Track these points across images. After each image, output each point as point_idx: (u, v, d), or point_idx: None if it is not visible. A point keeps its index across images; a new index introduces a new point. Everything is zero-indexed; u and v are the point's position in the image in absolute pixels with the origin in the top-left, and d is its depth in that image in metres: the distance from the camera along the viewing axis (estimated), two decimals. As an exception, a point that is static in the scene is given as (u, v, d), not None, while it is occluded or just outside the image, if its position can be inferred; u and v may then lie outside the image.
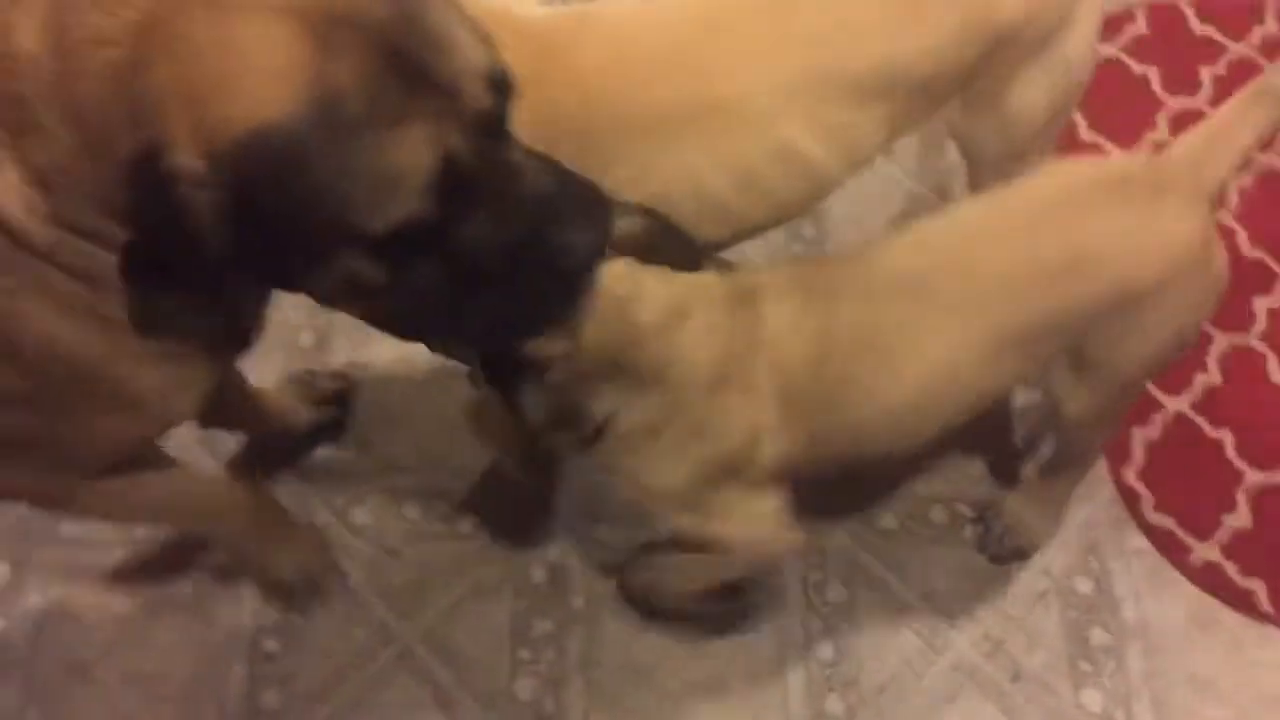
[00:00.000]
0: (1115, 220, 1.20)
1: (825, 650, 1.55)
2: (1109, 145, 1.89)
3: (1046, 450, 1.59)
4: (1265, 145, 1.28)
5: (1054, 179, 1.25)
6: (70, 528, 1.59)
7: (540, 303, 0.96)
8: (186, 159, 0.80)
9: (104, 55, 0.81)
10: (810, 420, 1.23)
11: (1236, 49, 1.97)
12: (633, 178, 1.19)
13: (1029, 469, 1.63)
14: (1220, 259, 1.25)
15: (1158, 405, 1.69)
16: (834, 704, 1.51)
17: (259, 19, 0.79)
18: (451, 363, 1.30)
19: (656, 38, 1.22)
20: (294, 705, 1.51)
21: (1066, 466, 1.52)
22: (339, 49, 0.80)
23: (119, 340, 0.97)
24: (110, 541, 1.59)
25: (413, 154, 0.83)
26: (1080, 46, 1.34)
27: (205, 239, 0.82)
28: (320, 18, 0.80)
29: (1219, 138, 1.24)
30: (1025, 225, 1.22)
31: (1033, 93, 1.34)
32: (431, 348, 1.09)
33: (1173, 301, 1.22)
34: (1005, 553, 1.58)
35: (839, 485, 1.51)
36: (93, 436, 1.13)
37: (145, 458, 1.24)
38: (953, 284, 1.21)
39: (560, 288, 0.96)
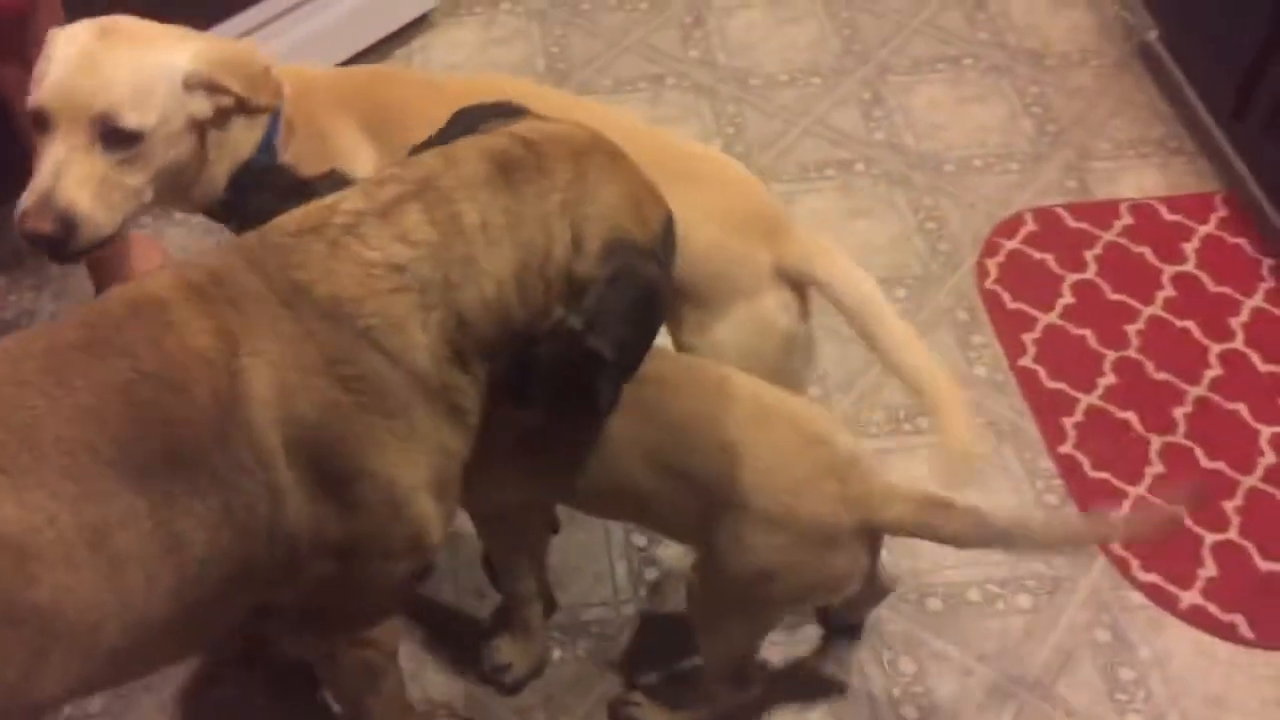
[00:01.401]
0: (790, 450, 1.43)
1: (910, 712, 1.80)
2: (1031, 311, 2.37)
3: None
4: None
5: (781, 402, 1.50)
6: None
7: None
8: (643, 242, 1.27)
9: (549, 201, 1.26)
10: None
11: (1106, 236, 2.52)
12: None
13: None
14: (844, 569, 1.45)
15: (1123, 493, 2.07)
16: (928, 754, 1.76)
17: (632, 163, 1.33)
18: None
19: None
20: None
21: (697, 692, 1.69)
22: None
23: (448, 471, 1.31)
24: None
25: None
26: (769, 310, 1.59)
27: (663, 293, 1.30)
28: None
29: (915, 510, 1.45)
30: (732, 404, 1.45)
31: (722, 341, 1.59)
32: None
33: (772, 550, 1.42)
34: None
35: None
36: (382, 582, 1.36)
37: (399, 605, 1.47)
38: (656, 394, 1.44)
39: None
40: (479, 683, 1.80)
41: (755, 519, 1.42)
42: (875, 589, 1.78)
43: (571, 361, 1.30)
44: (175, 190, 1.54)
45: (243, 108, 1.49)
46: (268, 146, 1.58)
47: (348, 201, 1.25)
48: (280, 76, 1.56)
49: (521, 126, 1.33)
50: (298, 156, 1.57)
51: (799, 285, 1.62)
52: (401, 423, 1.24)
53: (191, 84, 1.47)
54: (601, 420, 1.44)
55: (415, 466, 1.27)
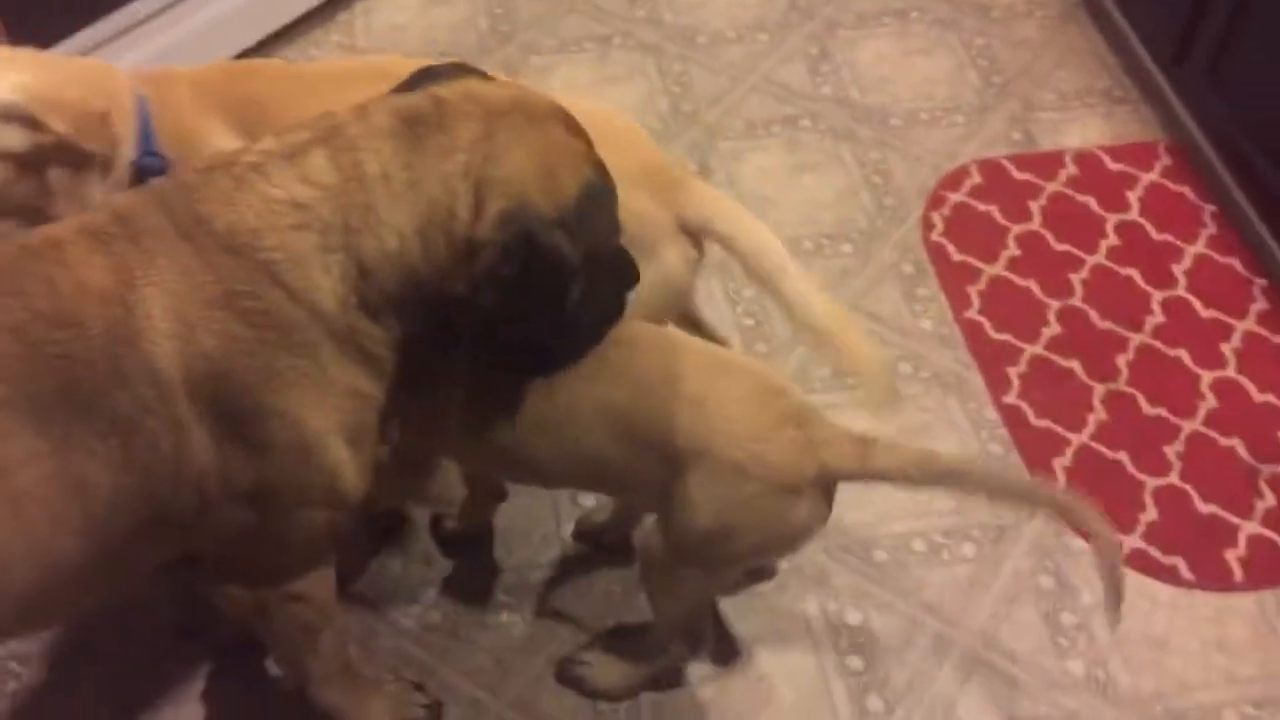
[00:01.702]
0: (749, 399, 1.44)
1: (855, 663, 1.82)
2: (976, 262, 2.38)
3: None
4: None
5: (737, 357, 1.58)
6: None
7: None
8: (547, 211, 1.25)
9: (452, 160, 1.24)
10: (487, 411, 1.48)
11: (1051, 187, 2.53)
12: None
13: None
14: (798, 513, 1.45)
15: (1066, 440, 2.09)
16: (874, 703, 1.78)
17: (559, 127, 1.29)
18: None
19: None
20: (409, 779, 1.67)
21: (643, 644, 1.72)
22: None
23: (360, 418, 1.31)
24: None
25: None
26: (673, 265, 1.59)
27: (566, 263, 1.26)
28: (575, 124, 1.31)
29: (871, 455, 1.47)
30: (691, 359, 1.47)
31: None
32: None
33: (739, 498, 1.42)
34: (567, 678, 1.76)
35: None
36: (301, 532, 1.36)
37: (325, 556, 1.45)
38: (617, 356, 1.44)
39: None
40: (427, 650, 1.81)
41: (723, 469, 1.42)
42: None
43: (492, 337, 1.31)
44: (37, 211, 1.53)
45: (67, 149, 1.48)
46: (150, 151, 1.58)
47: (260, 144, 1.27)
48: (142, 80, 1.57)
49: (450, 86, 1.32)
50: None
51: (697, 238, 1.62)
52: (307, 362, 1.25)
53: (8, 115, 1.46)
54: (524, 382, 1.45)
55: (324, 409, 1.28)
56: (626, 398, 1.45)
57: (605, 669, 1.76)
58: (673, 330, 1.53)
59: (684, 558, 1.50)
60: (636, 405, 1.45)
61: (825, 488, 1.48)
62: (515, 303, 1.27)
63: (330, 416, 1.28)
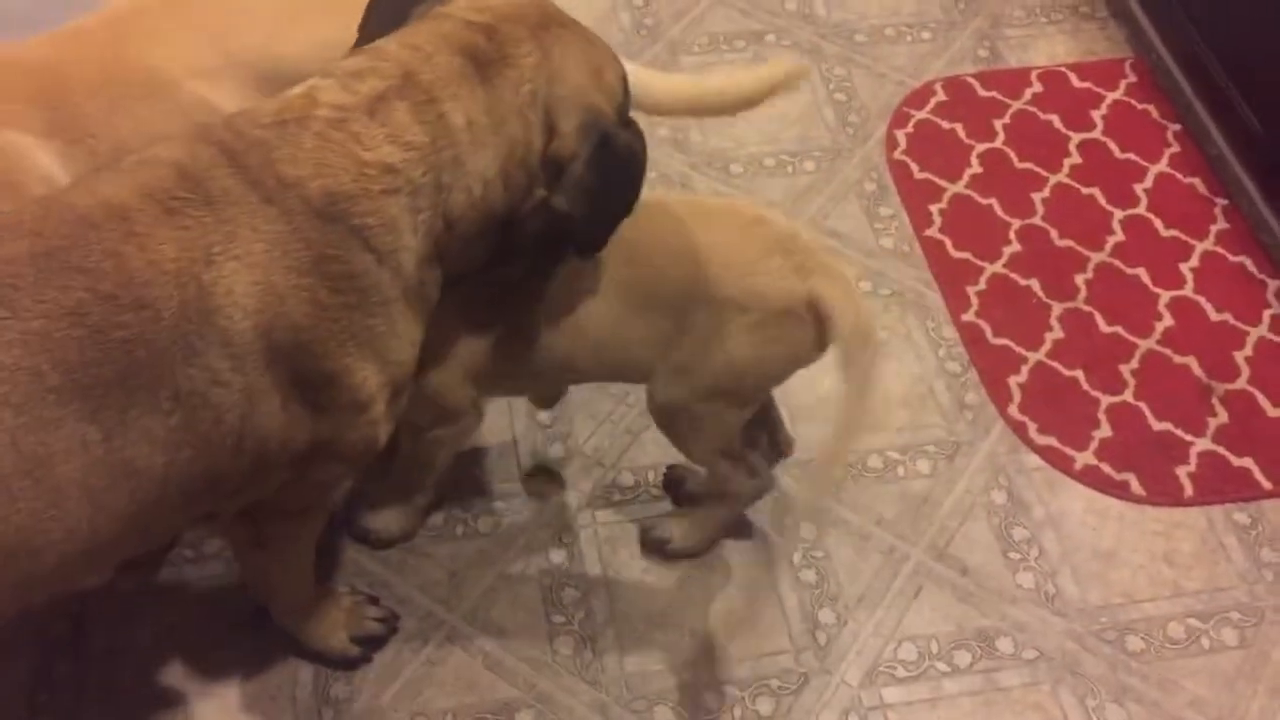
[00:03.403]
0: (736, 244, 1.50)
1: (809, 576, 1.83)
2: (938, 180, 2.36)
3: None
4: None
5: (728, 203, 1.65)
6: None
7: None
8: (609, 111, 1.29)
9: (523, 92, 1.25)
10: (492, 332, 1.52)
11: (1016, 105, 2.50)
12: (93, 134, 1.42)
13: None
14: (798, 336, 1.50)
15: (1023, 358, 2.10)
16: (826, 615, 1.79)
17: (573, 23, 1.34)
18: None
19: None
20: (362, 690, 1.68)
21: (709, 497, 1.78)
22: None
23: (409, 370, 1.32)
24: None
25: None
26: None
27: (638, 157, 1.33)
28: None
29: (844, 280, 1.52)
30: (675, 215, 1.53)
31: None
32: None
33: (744, 332, 1.49)
34: (650, 543, 1.82)
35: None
36: (326, 480, 1.37)
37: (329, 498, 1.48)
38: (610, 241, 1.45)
39: None
40: (383, 564, 1.81)
41: (724, 307, 1.49)
42: (775, 447, 1.81)
43: (555, 236, 1.36)
44: None
45: None
46: None
47: (325, 93, 1.22)
48: None
49: (467, 9, 1.30)
50: None
51: None
52: (380, 321, 1.24)
53: None
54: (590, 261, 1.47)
55: (385, 366, 1.27)
56: (632, 271, 1.51)
57: (680, 527, 1.80)
58: (648, 200, 1.54)
59: (703, 395, 1.56)
60: (642, 274, 1.51)
61: (818, 311, 1.50)
62: (598, 204, 1.31)
63: (386, 372, 1.28)
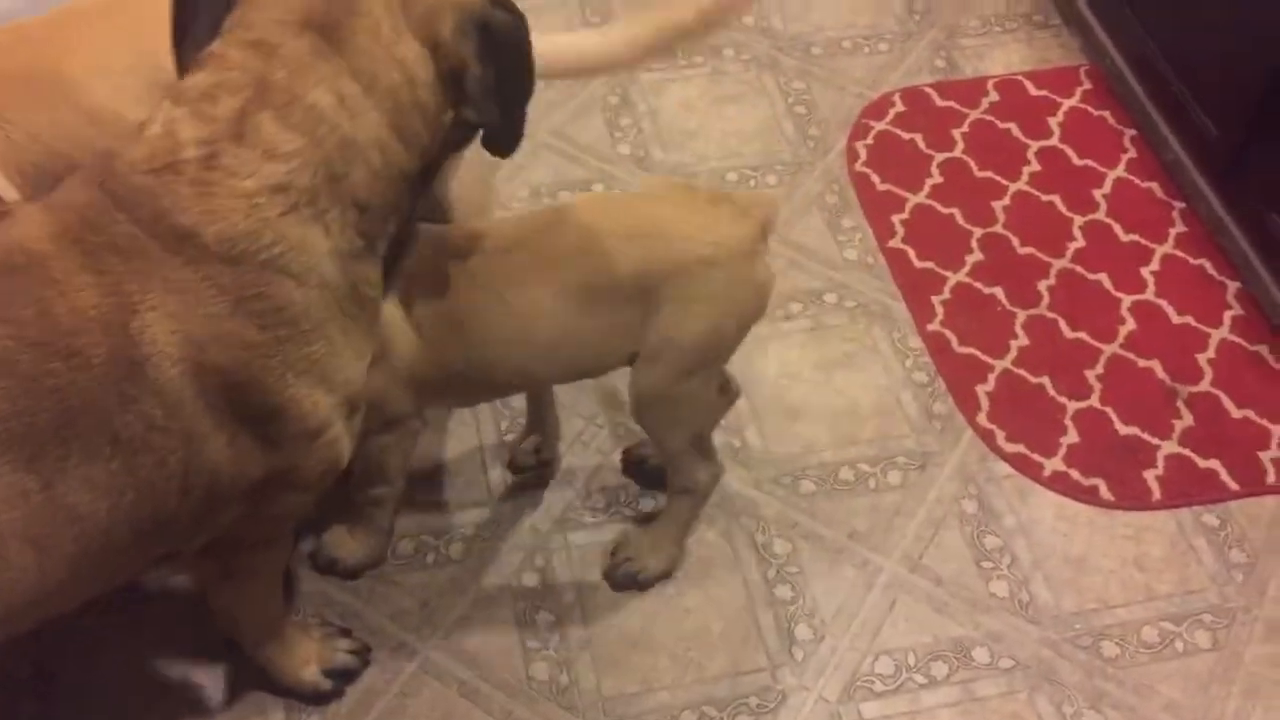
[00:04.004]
0: (680, 209, 1.55)
1: (784, 592, 1.83)
2: (900, 191, 2.37)
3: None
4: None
5: (644, 184, 1.66)
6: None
7: None
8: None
9: (383, 33, 1.16)
10: (438, 343, 1.51)
11: (973, 114, 2.52)
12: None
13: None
14: (760, 272, 1.55)
15: (989, 366, 2.10)
16: (803, 631, 1.79)
17: None
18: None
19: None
20: (336, 724, 1.66)
21: (672, 497, 1.76)
22: None
23: (360, 385, 1.28)
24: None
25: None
26: None
27: (520, 28, 1.24)
28: None
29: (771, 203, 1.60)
30: (614, 203, 1.61)
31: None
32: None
33: (718, 286, 1.51)
34: (621, 580, 1.80)
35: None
36: (289, 510, 1.34)
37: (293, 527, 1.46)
38: (553, 241, 1.52)
39: None
40: (354, 595, 1.79)
41: (697, 269, 1.51)
42: (725, 395, 1.81)
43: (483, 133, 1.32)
44: None
45: None
46: None
47: (183, 127, 1.14)
48: None
49: None
50: None
51: None
52: (321, 345, 1.20)
53: None
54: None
55: (333, 387, 1.24)
56: (576, 271, 1.51)
57: (649, 551, 1.79)
58: (579, 199, 1.60)
59: (689, 367, 1.57)
60: (590, 270, 1.51)
61: (764, 243, 1.58)
62: (506, 95, 1.25)
63: (336, 393, 1.24)
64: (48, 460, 1.08)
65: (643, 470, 1.91)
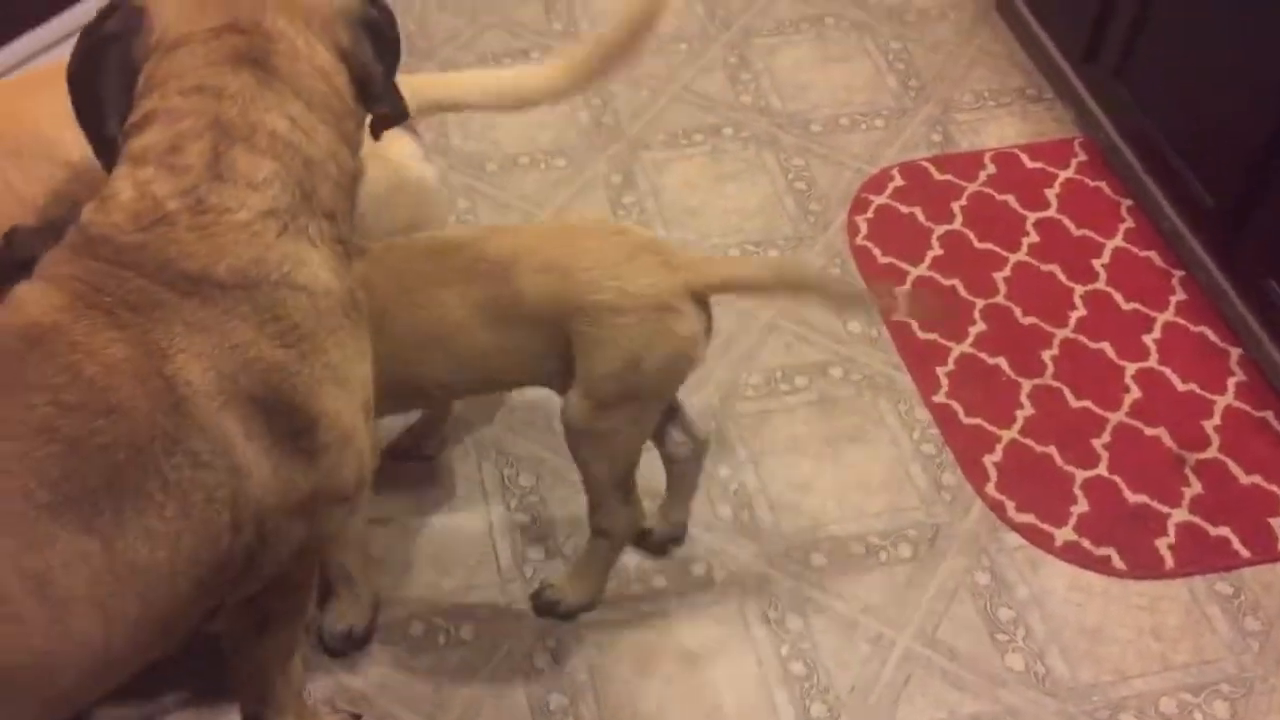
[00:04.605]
0: (598, 253, 1.57)
1: (798, 668, 1.81)
2: (901, 264, 2.39)
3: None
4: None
5: (572, 217, 1.74)
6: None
7: None
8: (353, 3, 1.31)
9: (302, 54, 1.25)
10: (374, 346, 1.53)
11: (971, 187, 2.56)
12: None
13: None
14: (685, 326, 1.57)
15: (996, 437, 2.11)
16: (818, 709, 1.77)
17: None
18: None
19: None
20: (349, 813, 1.64)
21: (591, 537, 1.79)
22: None
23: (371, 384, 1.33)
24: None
25: None
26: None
27: (389, 12, 1.35)
28: None
29: (726, 266, 1.70)
30: (540, 234, 1.67)
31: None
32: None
33: (624, 333, 1.55)
34: (542, 607, 1.85)
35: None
36: (326, 532, 1.35)
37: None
38: (472, 257, 1.59)
39: None
40: (365, 680, 1.77)
41: (601, 313, 1.55)
42: (693, 447, 1.84)
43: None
44: None
45: None
46: None
47: (159, 185, 1.19)
48: None
49: (186, 21, 1.25)
50: None
51: (411, 127, 1.68)
52: (336, 352, 1.25)
53: None
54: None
55: (352, 391, 1.28)
56: (487, 289, 1.57)
57: (569, 584, 1.84)
58: (517, 225, 1.68)
59: (608, 404, 1.60)
60: (499, 291, 1.57)
61: (699, 302, 1.60)
62: (393, 76, 1.35)
63: (356, 396, 1.28)
64: (105, 518, 1.10)
65: (647, 541, 1.92)
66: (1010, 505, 2.02)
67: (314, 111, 1.25)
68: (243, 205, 1.20)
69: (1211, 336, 2.28)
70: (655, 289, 1.55)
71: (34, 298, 1.17)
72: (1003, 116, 2.69)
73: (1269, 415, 2.16)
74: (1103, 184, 2.54)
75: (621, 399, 1.60)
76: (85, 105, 1.29)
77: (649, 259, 1.58)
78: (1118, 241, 2.44)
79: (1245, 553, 1.97)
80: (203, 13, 1.24)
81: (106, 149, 1.27)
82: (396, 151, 1.66)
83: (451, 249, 1.61)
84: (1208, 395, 2.18)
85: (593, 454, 1.67)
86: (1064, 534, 1.99)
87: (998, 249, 2.42)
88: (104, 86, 1.27)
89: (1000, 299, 2.33)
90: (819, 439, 2.11)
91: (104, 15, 1.28)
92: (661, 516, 1.92)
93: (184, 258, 1.17)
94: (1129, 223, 2.47)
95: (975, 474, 2.06)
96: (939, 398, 2.17)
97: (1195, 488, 2.05)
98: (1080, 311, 2.31)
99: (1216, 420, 2.15)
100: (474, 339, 1.58)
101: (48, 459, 1.07)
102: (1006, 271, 2.38)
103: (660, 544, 1.93)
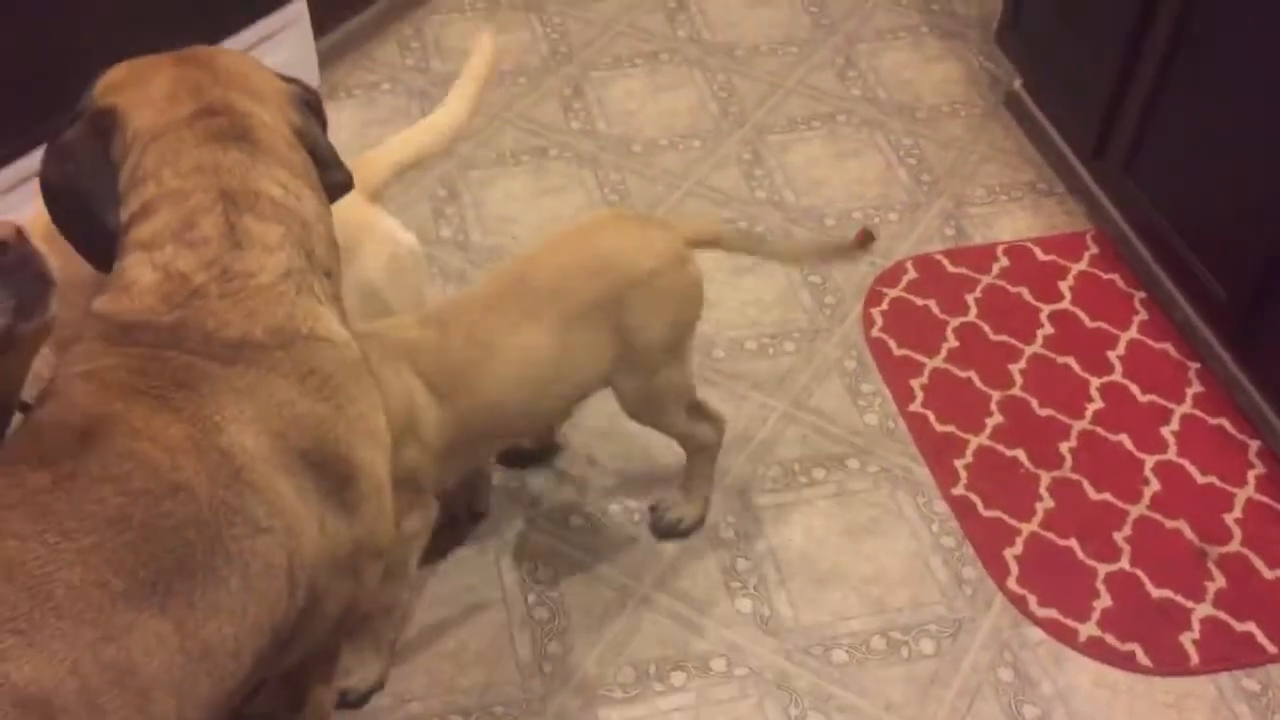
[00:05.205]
0: (619, 235, 1.84)
1: (820, 768, 1.79)
2: (917, 356, 2.41)
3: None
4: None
5: (577, 220, 1.93)
6: None
7: None
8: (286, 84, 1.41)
9: (275, 124, 1.33)
10: (453, 401, 1.71)
11: (985, 279, 2.58)
12: None
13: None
14: (693, 271, 1.86)
15: (1016, 530, 2.10)
16: (841, 809, 1.74)
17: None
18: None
19: None
20: None
21: (690, 457, 2.03)
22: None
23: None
24: None
25: None
26: (370, 269, 1.78)
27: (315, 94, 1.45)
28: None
29: (701, 225, 1.96)
30: (565, 243, 1.84)
31: (369, 279, 1.79)
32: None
33: (663, 290, 1.81)
34: (664, 529, 2.07)
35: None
36: (362, 590, 1.37)
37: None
38: (529, 288, 1.78)
39: None
40: (381, 775, 1.76)
41: (649, 279, 1.80)
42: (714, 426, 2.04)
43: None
44: None
45: None
46: None
47: (181, 262, 1.22)
48: None
49: (168, 106, 1.29)
50: None
51: (376, 198, 1.84)
52: (363, 402, 1.30)
53: None
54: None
55: (379, 442, 1.33)
56: (554, 313, 1.76)
57: (683, 503, 2.07)
58: (534, 247, 1.88)
59: (655, 368, 1.85)
60: (564, 309, 1.76)
61: (690, 249, 1.88)
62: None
63: (381, 447, 1.32)
64: (178, 599, 1.11)
65: (516, 453, 2.16)
66: (1032, 599, 2.01)
67: (298, 178, 1.32)
68: (263, 269, 1.25)
69: (1230, 428, 2.28)
70: (671, 246, 1.83)
71: (82, 391, 1.19)
72: (1015, 210, 2.73)
73: (1290, 508, 2.15)
74: (1116, 276, 2.56)
75: (666, 353, 1.84)
76: (71, 208, 1.30)
77: (652, 227, 1.87)
78: (1132, 333, 2.45)
79: (1272, 648, 1.95)
80: (174, 103, 1.29)
81: (103, 243, 1.28)
82: (384, 226, 1.82)
83: (504, 297, 1.78)
84: (1228, 488, 2.18)
85: (659, 411, 1.92)
86: (1088, 629, 1.97)
87: (1013, 341, 2.43)
88: (91, 185, 1.29)
89: (1017, 390, 2.34)
90: (837, 532, 2.10)
91: (70, 121, 1.32)
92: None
93: (223, 326, 1.21)
94: (1143, 315, 2.48)
95: (996, 567, 2.05)
96: (958, 490, 2.17)
97: (1219, 582, 2.04)
98: (1097, 404, 2.31)
99: (1238, 513, 2.14)
100: (556, 360, 1.77)
101: (122, 548, 1.09)
102: (1022, 363, 2.39)
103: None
